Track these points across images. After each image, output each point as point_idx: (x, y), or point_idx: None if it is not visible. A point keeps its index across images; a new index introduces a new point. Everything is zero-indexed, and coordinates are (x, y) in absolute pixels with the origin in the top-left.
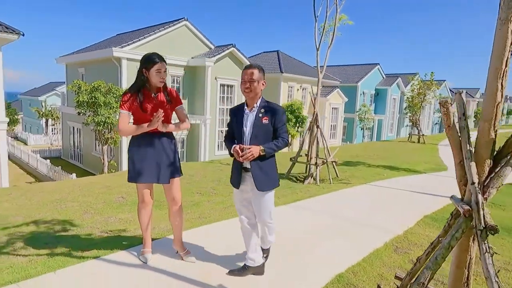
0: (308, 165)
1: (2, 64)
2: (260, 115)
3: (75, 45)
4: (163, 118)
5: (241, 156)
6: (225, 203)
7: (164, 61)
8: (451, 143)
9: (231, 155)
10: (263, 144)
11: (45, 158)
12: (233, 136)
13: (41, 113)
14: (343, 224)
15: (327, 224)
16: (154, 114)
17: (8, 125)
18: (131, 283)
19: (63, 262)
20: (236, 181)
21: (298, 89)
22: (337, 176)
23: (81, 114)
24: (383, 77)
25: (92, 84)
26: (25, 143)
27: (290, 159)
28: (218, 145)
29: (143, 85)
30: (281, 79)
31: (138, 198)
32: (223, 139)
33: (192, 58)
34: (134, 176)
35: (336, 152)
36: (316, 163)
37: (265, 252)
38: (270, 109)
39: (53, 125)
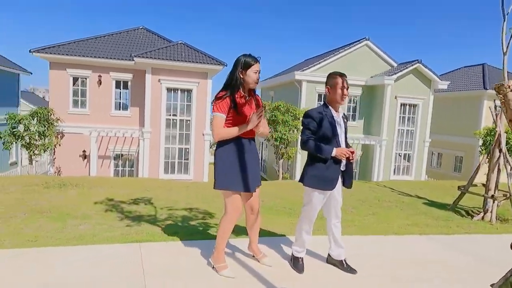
0: (485, 198)
1: (211, 91)
2: (345, 119)
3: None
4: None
5: (352, 158)
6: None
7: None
8: None
9: (328, 158)
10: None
11: None
12: (319, 140)
13: None
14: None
15: (451, 266)
16: (253, 113)
17: None
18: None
19: (175, 237)
20: (334, 183)
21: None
22: None
23: None
24: None
25: (274, 104)
26: None
27: (459, 187)
28: (395, 169)
29: (239, 87)
30: (484, 97)
31: (229, 207)
32: (306, 144)
33: (371, 77)
34: (231, 183)
35: None
36: (493, 196)
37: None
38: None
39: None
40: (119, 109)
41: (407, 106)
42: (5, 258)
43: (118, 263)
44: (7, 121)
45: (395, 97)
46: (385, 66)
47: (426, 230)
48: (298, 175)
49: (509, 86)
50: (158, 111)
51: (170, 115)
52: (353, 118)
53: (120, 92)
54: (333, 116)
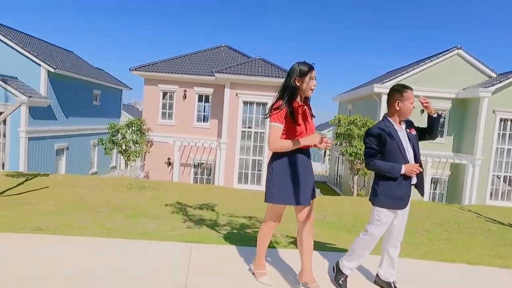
0: None
1: None
2: (408, 129)
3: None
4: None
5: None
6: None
7: None
8: None
9: (396, 176)
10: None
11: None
12: (385, 158)
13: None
14: None
15: None
16: (316, 133)
17: None
18: None
19: (226, 241)
20: (406, 200)
21: None
22: None
23: (337, 145)
24: None
25: (350, 117)
26: None
27: None
28: (493, 193)
29: (295, 96)
30: None
31: (268, 215)
32: (371, 165)
33: (463, 89)
34: (283, 197)
35: None
36: None
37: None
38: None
39: (328, 155)
40: (201, 121)
41: (509, 122)
42: (79, 243)
43: (169, 259)
44: (108, 130)
45: (493, 111)
46: (480, 77)
47: (511, 264)
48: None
49: None
50: (235, 123)
51: (245, 127)
52: (441, 134)
53: (202, 105)
54: (396, 130)
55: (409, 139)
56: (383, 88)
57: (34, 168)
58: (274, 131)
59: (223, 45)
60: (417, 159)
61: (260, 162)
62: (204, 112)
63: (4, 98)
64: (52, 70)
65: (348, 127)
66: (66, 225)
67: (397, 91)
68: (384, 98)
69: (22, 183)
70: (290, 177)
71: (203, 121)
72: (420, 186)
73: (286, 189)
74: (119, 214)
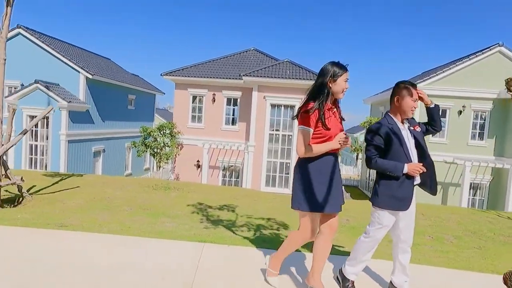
0: None
1: None
2: (411, 127)
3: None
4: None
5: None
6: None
7: None
8: None
9: (400, 176)
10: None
11: (343, 186)
12: (387, 156)
13: (354, 147)
14: None
15: None
16: (341, 132)
17: None
18: None
19: (239, 242)
20: (408, 202)
21: None
22: None
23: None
24: None
25: (374, 119)
26: None
27: None
28: None
29: (327, 98)
30: None
31: (305, 228)
32: (372, 163)
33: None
34: (319, 204)
35: None
36: None
37: None
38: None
39: (361, 158)
40: (229, 124)
41: None
42: (93, 239)
43: (178, 257)
44: (140, 133)
45: None
46: None
47: None
48: None
49: None
50: (262, 126)
51: (273, 130)
52: (481, 137)
53: (230, 108)
54: (400, 129)
55: (415, 137)
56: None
57: (73, 169)
58: (304, 135)
59: (251, 49)
60: (425, 156)
61: (288, 165)
62: (232, 115)
63: (47, 103)
64: (90, 76)
65: None
66: (88, 222)
67: (398, 87)
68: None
69: (57, 182)
70: (320, 182)
71: (232, 124)
72: (429, 185)
73: (316, 196)
74: (141, 213)
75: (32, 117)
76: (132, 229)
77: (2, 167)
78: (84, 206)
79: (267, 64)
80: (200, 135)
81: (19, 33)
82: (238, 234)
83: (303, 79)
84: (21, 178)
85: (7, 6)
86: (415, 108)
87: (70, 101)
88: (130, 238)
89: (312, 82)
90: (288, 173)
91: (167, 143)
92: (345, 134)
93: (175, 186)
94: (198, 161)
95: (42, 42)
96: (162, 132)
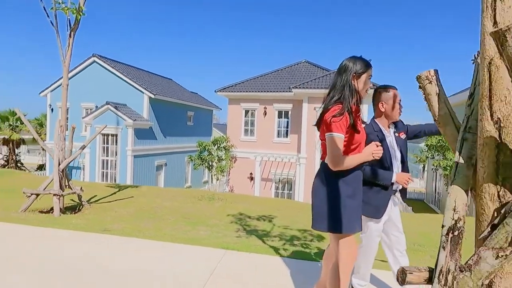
0: None
1: (367, 117)
2: (396, 133)
3: None
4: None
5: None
6: None
7: None
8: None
9: (386, 185)
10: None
11: (406, 199)
12: (373, 164)
13: (419, 158)
14: None
15: None
16: (372, 143)
17: None
18: None
19: (265, 251)
20: (382, 210)
21: None
22: None
23: (430, 158)
24: None
25: None
26: None
27: None
28: None
29: (353, 98)
30: None
31: (348, 254)
32: (363, 171)
33: None
34: (356, 223)
35: None
36: None
37: None
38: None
39: (427, 170)
40: (280, 137)
41: None
42: (124, 242)
43: (198, 262)
44: (197, 147)
45: None
46: None
47: None
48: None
49: (427, 77)
50: (314, 138)
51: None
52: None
53: (282, 121)
54: (385, 135)
55: (397, 144)
56: None
57: (138, 181)
58: (338, 143)
59: (303, 61)
60: (404, 165)
61: None
62: (284, 127)
63: (116, 121)
64: (152, 96)
65: (440, 138)
66: (131, 228)
67: (379, 92)
68: None
69: (115, 193)
70: (354, 198)
71: (283, 136)
72: (403, 193)
73: (356, 214)
74: (181, 222)
75: (104, 135)
76: (167, 235)
77: (66, 178)
78: (132, 214)
79: (318, 75)
80: (252, 148)
81: (94, 61)
82: (267, 243)
83: None
84: (81, 188)
85: (69, 38)
86: (401, 109)
87: (135, 120)
88: (161, 243)
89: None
90: None
91: (221, 157)
92: (377, 145)
93: (220, 197)
94: (251, 173)
95: (112, 67)
96: (216, 146)
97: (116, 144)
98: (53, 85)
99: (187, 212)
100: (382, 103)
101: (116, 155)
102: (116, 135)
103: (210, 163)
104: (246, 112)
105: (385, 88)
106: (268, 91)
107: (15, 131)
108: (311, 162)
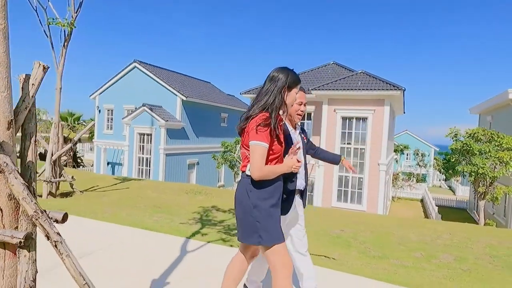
0: None
1: (388, 118)
2: (304, 135)
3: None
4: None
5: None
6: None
7: None
8: None
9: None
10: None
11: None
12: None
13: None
14: None
15: None
16: (294, 146)
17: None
18: None
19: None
20: (288, 208)
21: None
22: None
23: (453, 162)
24: None
25: (470, 130)
26: (454, 193)
27: None
28: None
29: (280, 109)
30: None
31: (281, 264)
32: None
33: None
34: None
35: None
36: None
37: None
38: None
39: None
40: None
41: None
42: (79, 222)
43: (120, 238)
44: (221, 147)
45: None
46: None
47: None
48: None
49: None
50: (333, 139)
51: (344, 143)
52: None
53: (305, 122)
54: (290, 133)
55: (303, 148)
56: None
57: (170, 178)
58: (261, 152)
59: (331, 63)
60: (306, 169)
61: (361, 180)
62: (307, 129)
63: (151, 122)
64: (184, 98)
65: (465, 142)
66: (102, 212)
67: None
68: None
69: (116, 184)
70: (275, 208)
71: None
72: (303, 193)
73: (279, 223)
74: (149, 209)
75: (141, 134)
76: (126, 220)
77: (59, 167)
78: (114, 202)
79: (341, 77)
80: None
81: (135, 67)
82: (201, 230)
83: (374, 89)
84: (72, 177)
85: (63, 48)
86: (302, 112)
87: (167, 120)
88: (110, 225)
89: (385, 92)
90: (361, 189)
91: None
92: (298, 161)
93: (206, 191)
94: None
95: (150, 72)
96: (238, 146)
97: (151, 143)
98: (100, 88)
99: (163, 203)
100: None
101: (150, 153)
102: (151, 135)
103: (234, 163)
104: None
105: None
106: None
107: (73, 131)
108: (330, 165)
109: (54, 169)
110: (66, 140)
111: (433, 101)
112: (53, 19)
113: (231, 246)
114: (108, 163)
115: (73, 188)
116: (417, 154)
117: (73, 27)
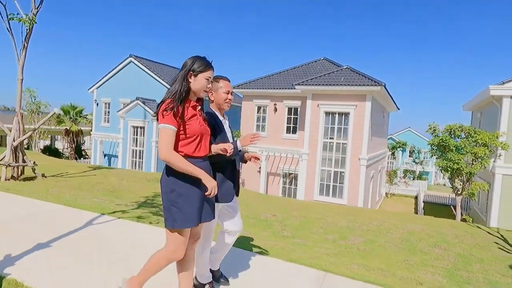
0: None
1: (370, 114)
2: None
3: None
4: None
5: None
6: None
7: None
8: None
9: (235, 153)
10: None
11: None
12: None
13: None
14: None
15: None
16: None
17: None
18: None
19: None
20: (234, 191)
21: None
22: None
23: (431, 157)
24: None
25: (448, 126)
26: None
27: None
28: None
29: (187, 94)
30: None
31: (173, 245)
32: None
33: None
34: (187, 220)
35: None
36: None
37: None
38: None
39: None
40: (289, 133)
41: None
42: (23, 202)
43: (63, 220)
44: None
45: None
46: None
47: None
48: (491, 220)
49: None
50: (316, 134)
51: (327, 138)
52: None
53: (291, 117)
54: (221, 121)
55: (230, 134)
56: (502, 90)
57: (162, 170)
58: (167, 135)
59: (321, 58)
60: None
61: (343, 174)
62: (293, 124)
63: (144, 115)
64: None
65: (441, 138)
66: (55, 195)
67: (211, 82)
68: (506, 103)
69: (86, 171)
70: (191, 194)
71: (292, 132)
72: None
73: (189, 210)
74: (101, 193)
75: (134, 127)
76: (72, 201)
77: (21, 153)
78: (71, 186)
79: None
80: (263, 144)
81: (131, 61)
82: (143, 214)
83: (356, 85)
84: (34, 162)
85: (25, 42)
86: (229, 100)
87: None
88: (44, 203)
89: (366, 88)
90: (342, 183)
91: None
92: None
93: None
94: (260, 167)
95: (145, 66)
96: None
97: (143, 136)
98: (98, 82)
99: (118, 188)
100: (211, 92)
101: (143, 146)
102: (144, 128)
103: None
104: (259, 108)
105: (216, 78)
106: (277, 88)
107: (74, 123)
108: (313, 159)
109: (15, 155)
110: (68, 132)
111: (437, 97)
112: (14, 14)
113: (144, 223)
114: (105, 155)
115: (35, 173)
116: (413, 151)
117: (34, 23)
